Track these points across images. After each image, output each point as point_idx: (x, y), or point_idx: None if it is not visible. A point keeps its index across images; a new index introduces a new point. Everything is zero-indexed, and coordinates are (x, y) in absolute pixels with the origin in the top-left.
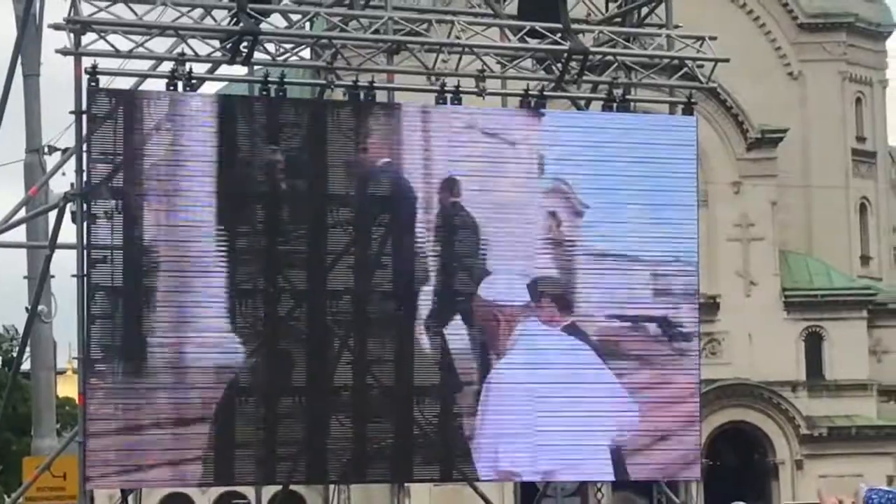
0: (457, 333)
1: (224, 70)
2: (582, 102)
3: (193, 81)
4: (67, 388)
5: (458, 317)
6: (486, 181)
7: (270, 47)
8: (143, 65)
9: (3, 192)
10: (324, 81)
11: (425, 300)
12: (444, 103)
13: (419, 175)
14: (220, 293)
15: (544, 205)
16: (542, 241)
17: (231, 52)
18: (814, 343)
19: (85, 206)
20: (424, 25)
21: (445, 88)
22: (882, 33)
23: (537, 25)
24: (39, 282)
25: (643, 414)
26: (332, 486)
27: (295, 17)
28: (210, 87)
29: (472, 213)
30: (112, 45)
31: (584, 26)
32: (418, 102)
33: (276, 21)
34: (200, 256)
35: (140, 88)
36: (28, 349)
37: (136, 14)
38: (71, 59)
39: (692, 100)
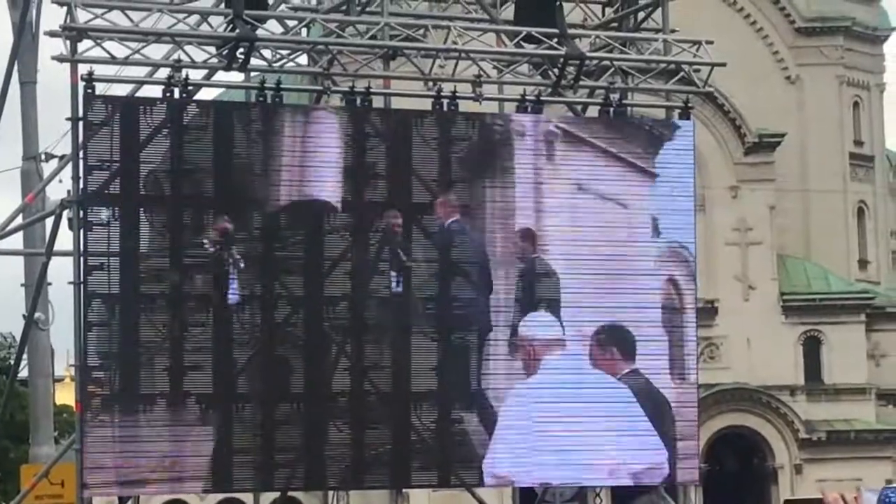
0: (455, 339)
1: (220, 76)
2: (579, 107)
3: (190, 88)
4: (65, 395)
5: (457, 322)
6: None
7: (267, 53)
8: (140, 71)
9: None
10: (320, 87)
11: (426, 306)
12: (441, 109)
13: None
14: (217, 300)
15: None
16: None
17: (227, 58)
18: (812, 347)
19: (82, 213)
20: (421, 31)
21: (442, 94)
22: (879, 37)
23: (534, 31)
24: (36, 289)
25: (641, 418)
26: (330, 493)
27: (291, 24)
28: (207, 94)
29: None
30: (108, 52)
31: (580, 31)
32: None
33: (273, 27)
34: (197, 263)
35: (137, 95)
36: (25, 356)
37: (132, 21)
38: (67, 65)
39: (689, 104)
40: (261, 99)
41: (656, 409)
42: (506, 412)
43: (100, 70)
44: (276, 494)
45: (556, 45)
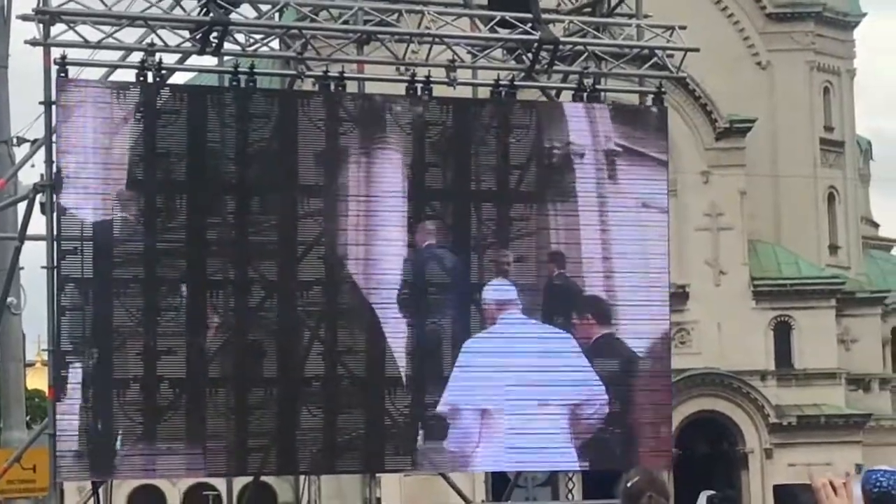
0: (430, 323)
1: (194, 60)
2: (553, 92)
3: (163, 72)
4: (36, 380)
5: (433, 307)
6: None
7: (240, 38)
8: (113, 55)
9: None
10: (294, 72)
11: (400, 291)
12: (415, 93)
13: None
14: (190, 284)
15: None
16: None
17: (201, 42)
18: (783, 332)
19: (55, 197)
20: (394, 16)
21: (416, 78)
22: (850, 23)
23: (507, 15)
24: (9, 274)
25: (613, 403)
26: (302, 478)
27: (265, 8)
28: (180, 78)
29: None
30: (81, 36)
31: (554, 16)
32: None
33: (246, 11)
34: (171, 247)
35: (110, 79)
36: None
37: (105, 4)
38: (40, 49)
39: (662, 90)
40: (234, 83)
41: (622, 394)
42: (479, 397)
43: (73, 54)
44: (248, 479)
45: (530, 30)
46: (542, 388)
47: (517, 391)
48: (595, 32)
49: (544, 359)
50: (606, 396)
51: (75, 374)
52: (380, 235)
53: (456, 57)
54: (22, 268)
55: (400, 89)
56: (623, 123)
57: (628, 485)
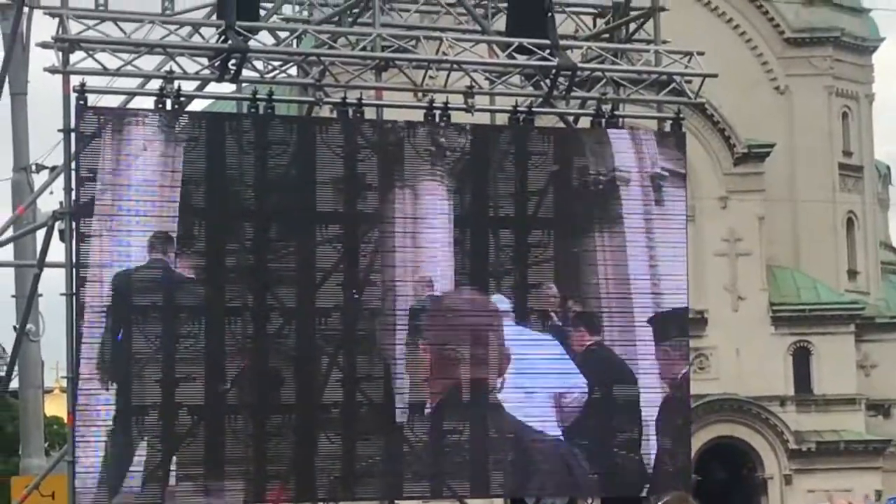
0: (448, 350)
1: (212, 87)
2: (570, 118)
3: (182, 99)
4: (55, 407)
5: (451, 333)
6: None
7: (259, 65)
8: (132, 83)
9: None
10: (312, 98)
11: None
12: (433, 119)
13: None
14: (209, 311)
15: None
16: None
17: (219, 69)
18: (802, 358)
19: (74, 224)
20: (412, 42)
21: (434, 105)
22: (868, 47)
23: (525, 42)
24: (28, 301)
25: (633, 431)
26: None
27: (283, 35)
28: (198, 105)
29: None
30: (100, 64)
31: (572, 42)
32: None
33: (264, 38)
34: (189, 275)
35: (128, 106)
36: (16, 368)
37: (124, 32)
38: (59, 77)
39: (680, 115)
40: (253, 110)
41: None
42: (498, 423)
43: (91, 81)
44: None
45: (547, 56)
46: (562, 413)
47: (537, 418)
48: (613, 58)
49: (565, 389)
50: (627, 424)
51: (94, 401)
52: (398, 261)
53: (474, 83)
54: (41, 295)
55: (418, 115)
56: (667, 147)
57: None
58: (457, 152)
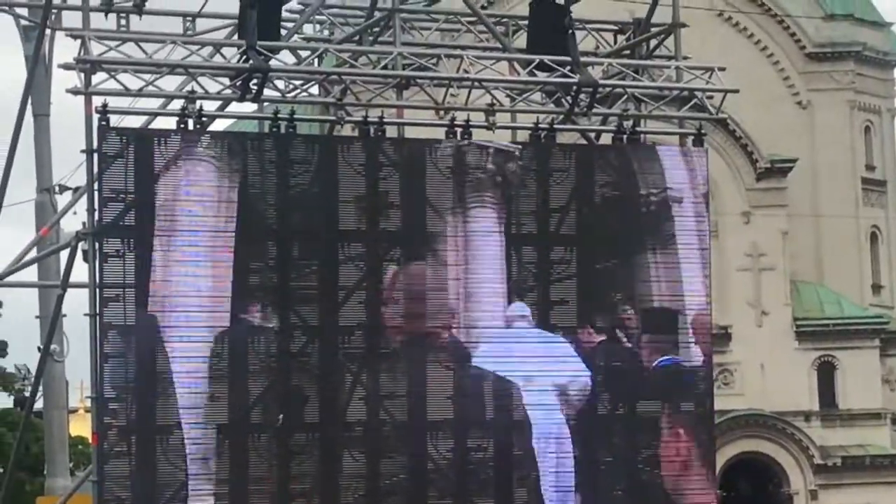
0: (472, 367)
1: (234, 107)
2: (592, 135)
3: (204, 119)
4: (79, 427)
5: (475, 351)
6: None
7: (280, 84)
8: (154, 103)
9: (14, 232)
10: (333, 117)
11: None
12: (455, 137)
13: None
14: (232, 330)
15: None
16: None
17: (241, 89)
18: (826, 372)
19: (97, 244)
20: (433, 60)
21: (455, 123)
22: (890, 62)
23: (546, 59)
24: (52, 321)
25: (658, 447)
26: None
27: (304, 54)
28: (220, 125)
29: None
30: (122, 84)
31: (593, 59)
32: None
33: (286, 58)
34: (212, 293)
35: (150, 127)
36: (41, 388)
37: (145, 53)
38: (81, 98)
39: (702, 131)
40: (274, 129)
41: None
42: (523, 441)
43: (113, 102)
44: None
45: (568, 73)
46: (585, 429)
47: (560, 434)
48: (634, 75)
49: (589, 397)
50: (652, 440)
51: (119, 421)
52: (420, 279)
53: (495, 101)
54: (65, 315)
55: (439, 133)
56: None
57: None
58: (479, 170)
